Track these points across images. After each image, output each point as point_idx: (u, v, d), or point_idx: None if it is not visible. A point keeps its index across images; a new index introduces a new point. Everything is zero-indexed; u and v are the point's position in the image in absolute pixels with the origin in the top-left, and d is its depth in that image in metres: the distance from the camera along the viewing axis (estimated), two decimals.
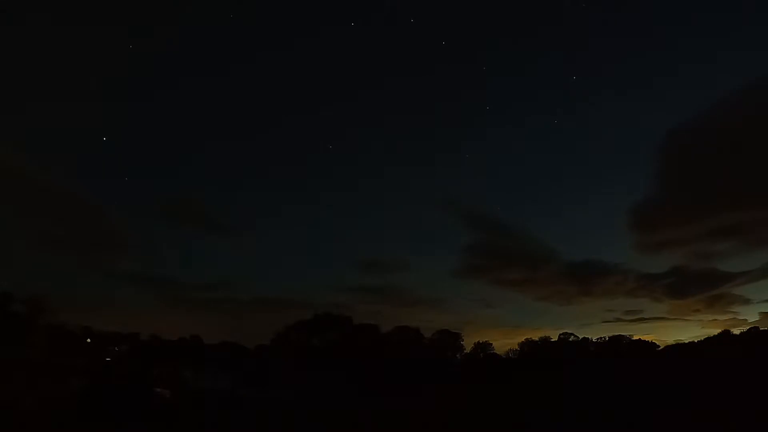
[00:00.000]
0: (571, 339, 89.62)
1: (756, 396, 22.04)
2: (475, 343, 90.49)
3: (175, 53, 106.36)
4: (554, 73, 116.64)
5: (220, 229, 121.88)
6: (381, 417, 22.13)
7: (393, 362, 67.93)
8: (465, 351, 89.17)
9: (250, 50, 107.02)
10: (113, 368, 47.69)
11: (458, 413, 21.90)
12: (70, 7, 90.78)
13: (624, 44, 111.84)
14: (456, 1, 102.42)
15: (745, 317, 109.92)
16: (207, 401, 29.36)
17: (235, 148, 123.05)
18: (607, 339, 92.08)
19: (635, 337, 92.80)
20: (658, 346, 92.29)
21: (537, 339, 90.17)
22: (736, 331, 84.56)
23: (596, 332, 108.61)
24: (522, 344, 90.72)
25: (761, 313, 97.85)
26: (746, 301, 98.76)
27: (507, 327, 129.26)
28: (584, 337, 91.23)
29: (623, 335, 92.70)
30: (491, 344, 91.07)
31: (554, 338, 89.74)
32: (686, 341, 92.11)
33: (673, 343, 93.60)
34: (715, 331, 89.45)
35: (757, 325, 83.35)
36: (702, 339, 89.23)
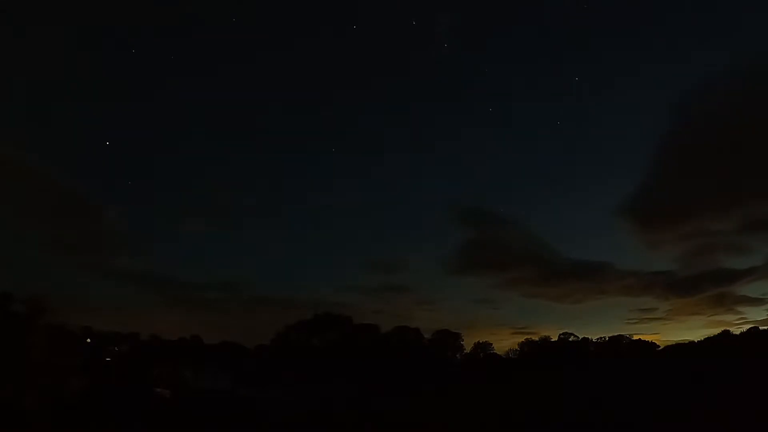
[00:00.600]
0: (571, 339, 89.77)
1: (756, 396, 22.02)
2: (475, 343, 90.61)
3: (175, 54, 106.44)
4: (555, 72, 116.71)
5: (220, 230, 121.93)
6: (381, 417, 22.13)
7: (393, 362, 67.94)
8: (465, 351, 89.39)
9: (250, 50, 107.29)
10: (113, 368, 47.70)
11: (458, 413, 21.90)
12: (70, 6, 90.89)
13: (624, 44, 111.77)
14: (456, 3, 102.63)
15: (748, 316, 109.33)
16: (207, 401, 29.37)
17: (236, 148, 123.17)
18: (607, 339, 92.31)
19: (635, 337, 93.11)
20: (658, 346, 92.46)
21: (537, 339, 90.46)
22: (736, 331, 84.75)
23: (597, 332, 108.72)
24: (522, 344, 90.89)
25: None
26: (751, 300, 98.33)
27: (507, 327, 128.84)
28: (584, 337, 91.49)
29: (623, 335, 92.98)
30: (491, 344, 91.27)
31: (554, 338, 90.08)
32: (686, 342, 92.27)
33: (675, 343, 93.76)
34: (716, 331, 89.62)
35: (757, 325, 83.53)
36: (702, 339, 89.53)
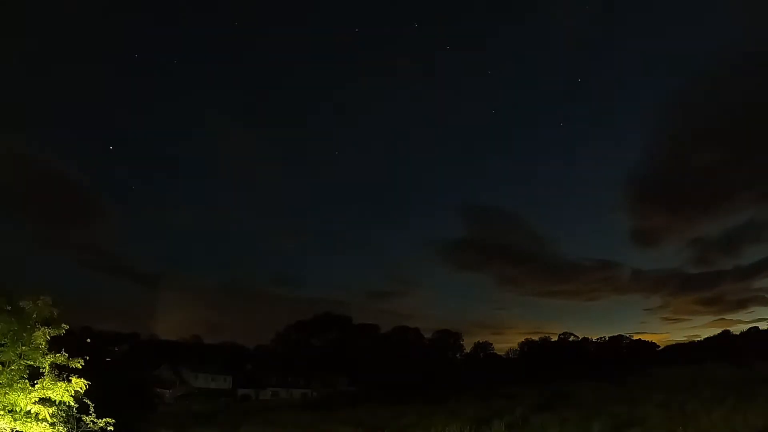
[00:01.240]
0: (571, 339, 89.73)
1: (755, 396, 22.02)
2: (475, 343, 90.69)
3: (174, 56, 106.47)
4: (556, 74, 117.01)
5: (220, 230, 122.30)
6: (381, 417, 22.13)
7: (393, 362, 67.87)
8: (465, 351, 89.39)
9: (251, 50, 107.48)
10: (113, 368, 47.63)
11: (458, 413, 21.90)
12: (69, 6, 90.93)
13: (624, 45, 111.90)
14: (457, 4, 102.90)
15: (747, 315, 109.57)
16: (207, 401, 29.39)
17: (235, 149, 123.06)
18: (607, 339, 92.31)
19: (635, 337, 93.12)
20: (658, 346, 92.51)
21: (537, 339, 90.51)
22: (736, 331, 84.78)
23: (597, 332, 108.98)
24: (522, 344, 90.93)
25: None
26: (754, 299, 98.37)
27: (507, 326, 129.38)
28: (584, 337, 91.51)
29: (623, 335, 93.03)
30: (491, 344, 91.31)
31: (554, 338, 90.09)
32: (686, 341, 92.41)
33: (674, 343, 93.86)
34: (717, 330, 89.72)
35: (757, 325, 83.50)
36: (702, 339, 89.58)
